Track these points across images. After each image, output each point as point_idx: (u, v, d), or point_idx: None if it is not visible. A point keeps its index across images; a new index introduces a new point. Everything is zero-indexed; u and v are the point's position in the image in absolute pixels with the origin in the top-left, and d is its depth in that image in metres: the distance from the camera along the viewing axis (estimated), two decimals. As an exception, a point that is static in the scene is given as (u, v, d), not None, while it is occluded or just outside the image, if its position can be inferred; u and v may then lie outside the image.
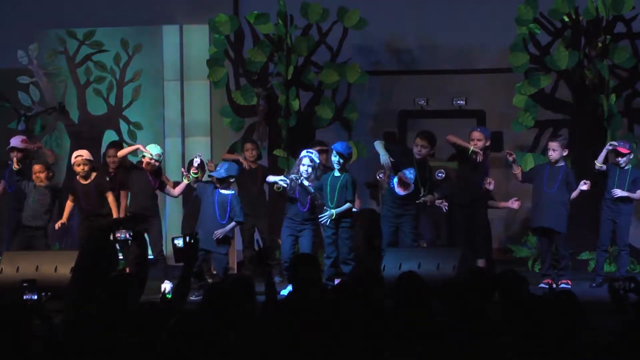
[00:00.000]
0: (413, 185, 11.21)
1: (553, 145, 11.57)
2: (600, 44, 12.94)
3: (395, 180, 11.25)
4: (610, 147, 11.52)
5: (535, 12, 13.31)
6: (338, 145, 11.28)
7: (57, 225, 11.83)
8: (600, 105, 12.90)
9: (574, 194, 11.52)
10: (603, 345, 5.26)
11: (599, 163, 11.50)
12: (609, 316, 5.96)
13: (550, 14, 13.34)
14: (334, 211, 11.06)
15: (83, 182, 11.72)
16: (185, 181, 11.52)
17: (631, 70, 13.29)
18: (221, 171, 11.06)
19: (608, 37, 12.97)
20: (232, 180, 11.24)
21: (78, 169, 11.67)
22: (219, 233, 10.94)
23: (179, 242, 6.47)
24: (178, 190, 11.86)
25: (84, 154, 11.77)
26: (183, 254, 6.43)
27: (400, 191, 11.24)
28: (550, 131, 13.29)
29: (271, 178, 11.55)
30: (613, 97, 12.86)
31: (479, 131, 11.82)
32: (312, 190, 11.06)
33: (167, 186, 11.87)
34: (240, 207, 11.07)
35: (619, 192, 11.43)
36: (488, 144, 11.77)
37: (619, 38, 13.23)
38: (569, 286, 11.16)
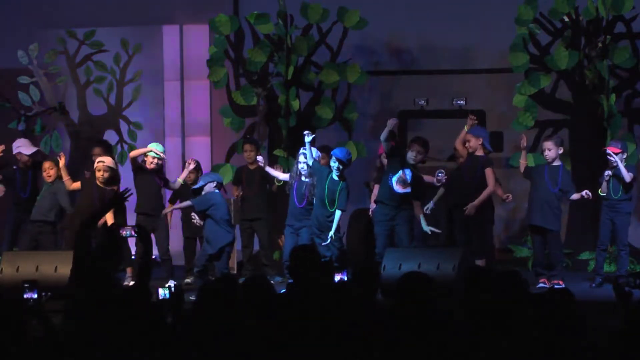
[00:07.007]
0: (410, 186, 11.22)
1: (548, 144, 11.52)
2: (600, 44, 12.94)
3: (395, 178, 11.24)
4: (608, 176, 11.39)
5: (535, 12, 13.31)
6: (337, 152, 11.20)
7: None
8: (600, 105, 12.90)
9: (575, 196, 11.44)
10: (603, 345, 5.26)
11: (602, 192, 11.46)
12: (609, 316, 5.96)
13: (550, 14, 13.35)
14: (331, 233, 11.04)
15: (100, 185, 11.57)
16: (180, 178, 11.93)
17: (631, 70, 13.30)
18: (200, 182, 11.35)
19: (608, 37, 12.98)
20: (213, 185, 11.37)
21: (98, 174, 11.50)
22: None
23: (165, 293, 6.35)
24: (181, 178, 12.00)
25: (107, 160, 11.60)
26: (168, 304, 6.35)
27: (398, 188, 11.24)
28: (550, 131, 13.30)
29: (271, 171, 12.10)
30: (613, 97, 12.87)
31: (470, 132, 11.78)
32: (309, 181, 11.22)
33: (170, 182, 11.98)
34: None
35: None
36: (480, 142, 11.66)
37: (619, 38, 13.23)
38: (562, 286, 11.09)
